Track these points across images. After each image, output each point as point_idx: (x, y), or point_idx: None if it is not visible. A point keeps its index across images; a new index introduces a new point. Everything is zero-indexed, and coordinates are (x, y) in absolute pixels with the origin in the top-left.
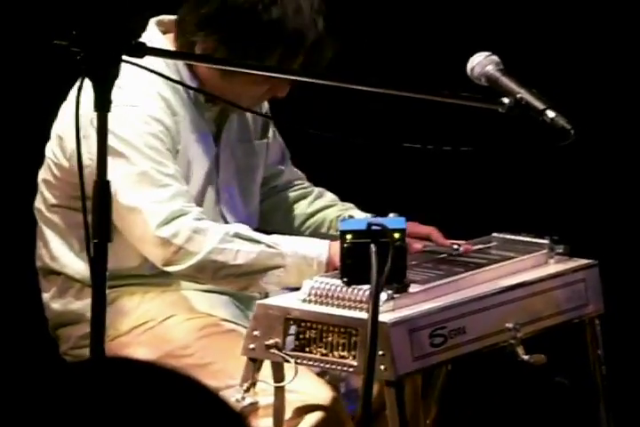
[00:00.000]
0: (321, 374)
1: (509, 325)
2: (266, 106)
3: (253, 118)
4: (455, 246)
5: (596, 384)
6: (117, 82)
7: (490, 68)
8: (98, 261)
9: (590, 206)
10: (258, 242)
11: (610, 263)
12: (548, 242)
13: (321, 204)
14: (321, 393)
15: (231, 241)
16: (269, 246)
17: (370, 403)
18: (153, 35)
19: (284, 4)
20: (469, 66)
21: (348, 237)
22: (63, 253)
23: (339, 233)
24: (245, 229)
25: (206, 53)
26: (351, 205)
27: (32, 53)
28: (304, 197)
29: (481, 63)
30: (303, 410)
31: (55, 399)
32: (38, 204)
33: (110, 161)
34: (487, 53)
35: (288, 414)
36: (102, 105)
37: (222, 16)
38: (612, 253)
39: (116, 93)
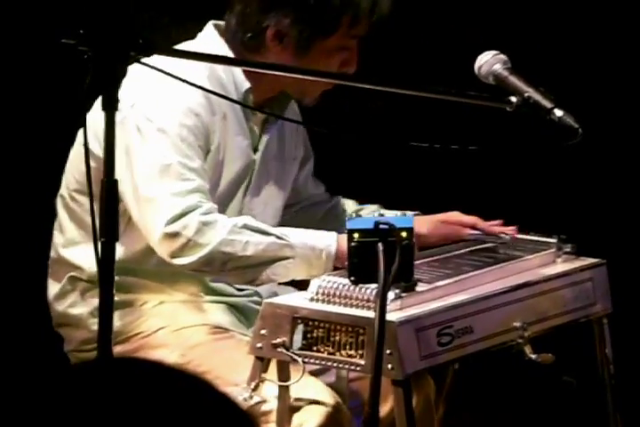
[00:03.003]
0: (316, 373)
1: (517, 324)
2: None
3: (291, 137)
4: (502, 235)
5: (603, 383)
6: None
7: (497, 67)
8: (105, 260)
9: (598, 205)
10: (267, 233)
11: (617, 262)
12: (555, 241)
13: (350, 210)
14: (322, 394)
15: (240, 232)
16: (278, 238)
17: (377, 402)
18: (212, 37)
19: None
20: (477, 64)
21: (356, 235)
22: (79, 240)
23: (346, 232)
24: (253, 221)
25: (277, 38)
26: (376, 206)
27: (40, 52)
28: (333, 208)
29: (488, 62)
30: (304, 412)
31: (62, 401)
32: (62, 190)
33: (140, 146)
34: (495, 52)
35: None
36: (110, 104)
37: None
38: (619, 252)
39: (161, 83)
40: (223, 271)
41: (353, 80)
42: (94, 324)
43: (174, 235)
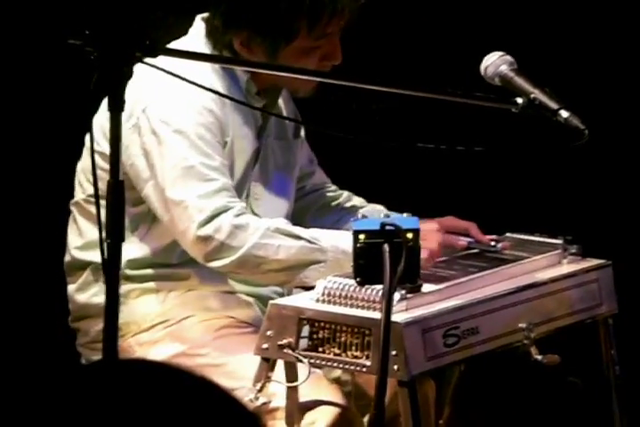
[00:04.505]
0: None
1: (522, 325)
2: (294, 107)
3: (287, 115)
4: (493, 243)
5: (609, 384)
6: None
7: (503, 68)
8: (111, 261)
9: (603, 206)
10: (298, 237)
11: (623, 263)
12: (561, 242)
13: (350, 205)
14: (331, 394)
15: (272, 236)
16: (310, 242)
17: (383, 403)
18: (199, 35)
19: None
20: (483, 66)
21: (362, 237)
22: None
23: (352, 233)
24: (285, 224)
25: (245, 46)
26: (381, 207)
27: (47, 53)
28: (334, 199)
29: (495, 63)
30: (313, 412)
31: (68, 401)
32: (77, 196)
33: (159, 149)
34: (501, 53)
35: (298, 415)
36: (116, 105)
37: (239, 8)
38: (625, 253)
39: (170, 83)
40: (256, 274)
41: (359, 81)
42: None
43: (207, 238)
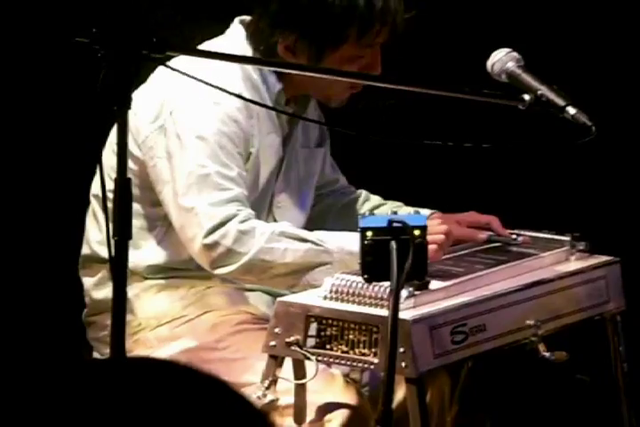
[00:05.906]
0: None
1: (530, 322)
2: (320, 114)
3: (313, 125)
4: (514, 236)
5: (617, 381)
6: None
7: (510, 65)
8: (118, 258)
9: (611, 203)
10: (304, 240)
11: (631, 260)
12: (569, 239)
13: (371, 204)
14: (345, 393)
15: (278, 240)
16: (316, 244)
17: (391, 400)
18: (237, 36)
19: None
20: (490, 62)
21: (369, 234)
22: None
23: (359, 230)
24: (290, 227)
25: (289, 50)
26: (400, 203)
27: (54, 51)
28: (354, 200)
29: (501, 60)
30: (328, 410)
31: (76, 399)
32: (98, 190)
33: (180, 153)
34: (508, 50)
35: (312, 414)
36: (123, 102)
37: (291, 10)
38: (633, 249)
39: (199, 89)
40: (263, 279)
41: (365, 78)
42: (138, 307)
43: (213, 245)
